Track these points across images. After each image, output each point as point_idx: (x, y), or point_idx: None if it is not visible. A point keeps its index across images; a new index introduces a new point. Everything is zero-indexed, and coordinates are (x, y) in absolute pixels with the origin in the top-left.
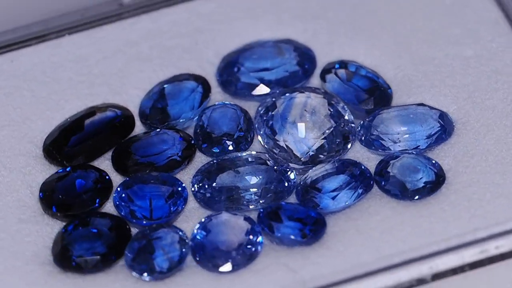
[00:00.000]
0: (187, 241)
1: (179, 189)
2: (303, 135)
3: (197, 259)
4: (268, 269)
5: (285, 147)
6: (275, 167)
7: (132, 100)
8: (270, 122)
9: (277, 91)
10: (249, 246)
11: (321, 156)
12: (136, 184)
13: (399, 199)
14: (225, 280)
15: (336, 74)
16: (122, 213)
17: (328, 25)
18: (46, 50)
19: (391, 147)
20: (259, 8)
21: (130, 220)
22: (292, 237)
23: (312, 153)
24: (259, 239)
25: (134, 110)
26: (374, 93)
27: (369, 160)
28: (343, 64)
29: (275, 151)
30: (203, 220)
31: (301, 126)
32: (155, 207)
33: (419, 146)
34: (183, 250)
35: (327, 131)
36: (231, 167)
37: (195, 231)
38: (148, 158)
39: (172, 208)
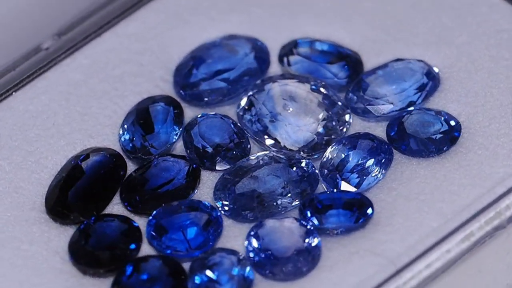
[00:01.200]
0: (244, 259)
1: (208, 210)
2: (297, 123)
3: (263, 273)
4: (343, 262)
5: (285, 142)
6: (290, 162)
7: (108, 139)
8: (257, 122)
9: (248, 89)
10: (308, 244)
11: (324, 138)
12: (162, 219)
13: (425, 156)
14: (308, 284)
15: (299, 54)
16: (162, 251)
17: (261, 10)
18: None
19: (386, 110)
20: (185, 13)
21: (174, 256)
22: (344, 224)
23: (314, 137)
24: (314, 235)
25: (115, 149)
26: (345, 63)
27: (371, 128)
28: (298, 42)
29: (273, 148)
30: (251, 233)
31: (292, 115)
32: (191, 236)
33: (414, 101)
34: (246, 268)
35: (319, 112)
36: (247, 175)
37: (247, 246)
38: (161, 189)
39: (208, 232)
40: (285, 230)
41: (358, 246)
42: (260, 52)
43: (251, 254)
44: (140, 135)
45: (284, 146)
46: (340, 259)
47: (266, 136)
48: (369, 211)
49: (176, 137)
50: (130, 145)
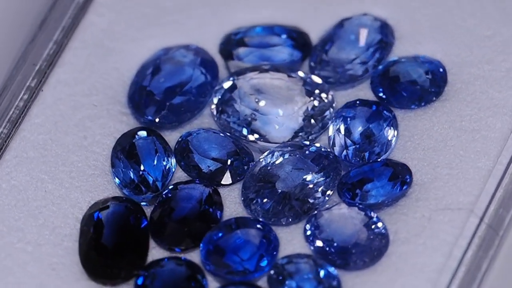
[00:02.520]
0: (316, 259)
1: (253, 224)
2: (280, 113)
3: (344, 266)
4: (415, 229)
5: (276, 135)
6: (301, 150)
7: (106, 188)
8: (238, 125)
9: (214, 95)
10: (368, 222)
11: (314, 118)
12: (211, 247)
13: (426, 104)
14: (395, 261)
15: (243, 45)
16: (228, 279)
17: (178, 16)
18: None
19: (360, 72)
20: (105, 41)
21: (242, 279)
22: (387, 193)
23: (304, 121)
24: (368, 211)
25: (116, 194)
26: (291, 39)
27: (351, 96)
28: (233, 34)
29: (269, 145)
30: (308, 232)
31: (272, 106)
32: (247, 256)
33: (380, 56)
34: (325, 269)
35: (295, 96)
36: (269, 177)
37: (312, 246)
38: (190, 220)
39: (262, 244)
40: (338, 217)
41: (419, 210)
42: (204, 56)
43: (319, 252)
44: (137, 174)
45: (286, 141)
46: (409, 229)
47: (255, 135)
48: (411, 174)
49: (175, 165)
50: (130, 188)
